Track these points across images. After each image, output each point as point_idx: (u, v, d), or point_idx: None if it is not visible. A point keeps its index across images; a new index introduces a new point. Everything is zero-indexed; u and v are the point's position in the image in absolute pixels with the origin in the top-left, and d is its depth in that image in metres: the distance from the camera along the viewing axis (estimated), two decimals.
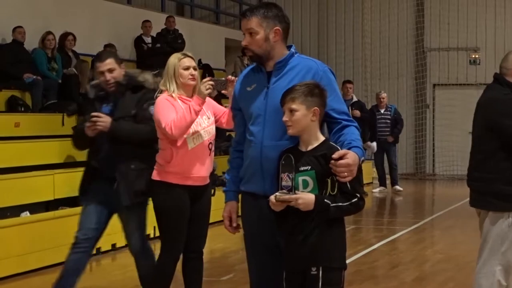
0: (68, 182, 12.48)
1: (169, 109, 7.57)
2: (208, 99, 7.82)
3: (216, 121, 7.93)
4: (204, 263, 10.64)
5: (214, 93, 7.77)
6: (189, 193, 7.78)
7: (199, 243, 8.18)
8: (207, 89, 7.33)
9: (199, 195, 7.94)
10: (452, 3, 26.83)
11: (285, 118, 5.14)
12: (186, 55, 7.89)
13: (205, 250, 11.29)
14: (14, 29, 15.29)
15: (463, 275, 10.25)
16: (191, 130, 7.55)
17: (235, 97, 5.72)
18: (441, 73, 27.18)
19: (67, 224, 11.23)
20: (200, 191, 7.94)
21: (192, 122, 7.44)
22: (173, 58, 7.86)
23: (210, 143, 7.80)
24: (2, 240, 9.98)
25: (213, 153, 7.98)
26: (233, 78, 7.32)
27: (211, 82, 7.37)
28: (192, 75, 7.72)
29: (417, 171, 26.53)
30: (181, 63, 7.74)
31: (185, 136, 7.54)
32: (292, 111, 5.10)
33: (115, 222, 12.07)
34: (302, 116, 5.11)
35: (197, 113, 7.43)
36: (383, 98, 20.83)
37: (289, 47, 5.54)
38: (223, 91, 7.70)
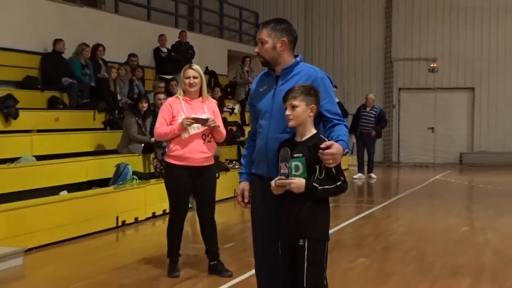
0: (98, 167, 12.53)
1: (164, 115, 8.16)
2: (215, 109, 8.37)
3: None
4: None
5: (198, 126, 8.00)
6: (189, 172, 8.07)
7: (208, 211, 8.44)
8: (186, 124, 7.87)
9: (200, 173, 8.16)
10: (415, 21, 26.83)
11: (287, 113, 5.12)
12: (190, 67, 8.20)
13: None
14: (56, 41, 15.28)
15: (423, 244, 10.29)
16: (182, 123, 7.95)
17: (251, 95, 5.74)
18: (405, 79, 27.16)
19: (97, 201, 11.28)
20: (200, 170, 8.16)
21: (168, 136, 8.08)
22: (183, 69, 8.24)
23: (204, 134, 8.04)
24: (45, 214, 9.99)
25: (211, 142, 8.20)
26: (211, 122, 7.98)
27: (192, 120, 7.87)
28: (190, 83, 8.06)
29: (385, 159, 26.51)
30: (185, 73, 8.14)
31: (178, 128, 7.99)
32: (294, 107, 5.09)
33: (137, 198, 12.14)
34: (302, 111, 5.10)
35: (175, 134, 7.98)
36: (367, 99, 20.61)
37: (296, 56, 5.52)
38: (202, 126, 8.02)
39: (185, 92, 8.14)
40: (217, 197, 14.35)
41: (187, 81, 8.07)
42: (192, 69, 8.12)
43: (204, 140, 8.06)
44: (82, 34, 16.42)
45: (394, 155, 27.25)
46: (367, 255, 9.36)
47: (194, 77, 8.06)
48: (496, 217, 13.03)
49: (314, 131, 5.23)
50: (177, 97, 8.20)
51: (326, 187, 5.11)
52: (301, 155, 5.12)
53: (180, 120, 7.93)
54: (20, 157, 11.47)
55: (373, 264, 8.84)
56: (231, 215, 13.35)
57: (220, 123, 8.18)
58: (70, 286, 7.75)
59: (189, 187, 8.17)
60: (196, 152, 8.04)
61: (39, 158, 11.86)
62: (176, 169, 8.06)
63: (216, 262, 8.33)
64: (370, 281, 7.92)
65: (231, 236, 11.04)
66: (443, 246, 10.14)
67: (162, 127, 8.08)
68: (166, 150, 8.42)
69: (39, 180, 11.02)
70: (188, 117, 7.92)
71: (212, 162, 8.30)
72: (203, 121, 7.94)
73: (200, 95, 8.18)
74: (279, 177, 5.12)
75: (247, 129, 18.26)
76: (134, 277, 8.21)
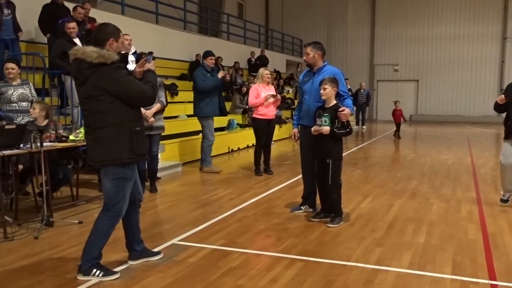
0: (221, 120, 12.31)
1: (253, 93, 8.01)
2: (274, 90, 8.22)
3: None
4: (275, 156, 10.56)
5: (271, 98, 7.95)
6: (266, 122, 8.03)
7: (269, 141, 8.29)
8: (268, 97, 7.88)
9: (270, 123, 8.12)
10: (387, 45, 25.95)
11: (321, 92, 5.00)
12: (266, 69, 8.28)
13: (276, 151, 11.16)
14: (197, 55, 15.12)
15: (391, 163, 10.04)
16: (266, 97, 7.88)
17: (300, 82, 5.57)
18: (381, 75, 26.36)
19: (220, 138, 11.08)
20: (270, 121, 8.12)
21: (257, 104, 7.89)
22: (261, 70, 8.26)
23: (274, 102, 8.04)
24: (193, 145, 9.92)
25: (275, 106, 8.13)
26: (279, 97, 8.03)
27: (270, 95, 7.90)
28: (268, 77, 8.10)
29: (369, 117, 25.83)
30: (264, 71, 8.15)
31: (264, 100, 7.90)
32: (325, 89, 4.96)
33: (239, 137, 11.98)
34: (329, 91, 4.96)
35: (261, 102, 7.88)
36: (361, 85, 20.00)
37: (325, 62, 5.36)
38: (273, 98, 7.98)
39: (262, 81, 8.07)
40: (279, 137, 14.20)
41: (266, 76, 8.06)
42: (267, 69, 8.17)
43: (273, 105, 8.06)
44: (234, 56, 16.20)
45: (374, 115, 26.59)
46: (360, 168, 9.16)
47: (271, 73, 8.11)
48: (430, 149, 12.61)
49: (335, 101, 5.05)
50: (258, 84, 8.11)
51: (342, 131, 4.95)
52: (328, 114, 4.96)
53: (263, 95, 7.89)
54: (178, 116, 11.48)
55: (364, 173, 8.62)
56: (287, 147, 13.19)
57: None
58: (215, 178, 7.75)
59: (266, 130, 8.07)
60: (270, 111, 8.03)
61: (189, 116, 11.75)
62: (260, 121, 8.00)
63: (267, 167, 8.35)
64: (362, 182, 7.73)
65: (287, 157, 10.88)
66: (401, 164, 9.84)
67: (253, 99, 7.98)
68: (253, 111, 8.28)
69: (191, 127, 10.85)
70: (268, 94, 7.92)
71: (275, 117, 8.25)
72: (274, 96, 7.97)
73: (269, 83, 8.15)
74: (315, 126, 4.99)
75: (296, 102, 17.97)
76: (240, 175, 8.18)
